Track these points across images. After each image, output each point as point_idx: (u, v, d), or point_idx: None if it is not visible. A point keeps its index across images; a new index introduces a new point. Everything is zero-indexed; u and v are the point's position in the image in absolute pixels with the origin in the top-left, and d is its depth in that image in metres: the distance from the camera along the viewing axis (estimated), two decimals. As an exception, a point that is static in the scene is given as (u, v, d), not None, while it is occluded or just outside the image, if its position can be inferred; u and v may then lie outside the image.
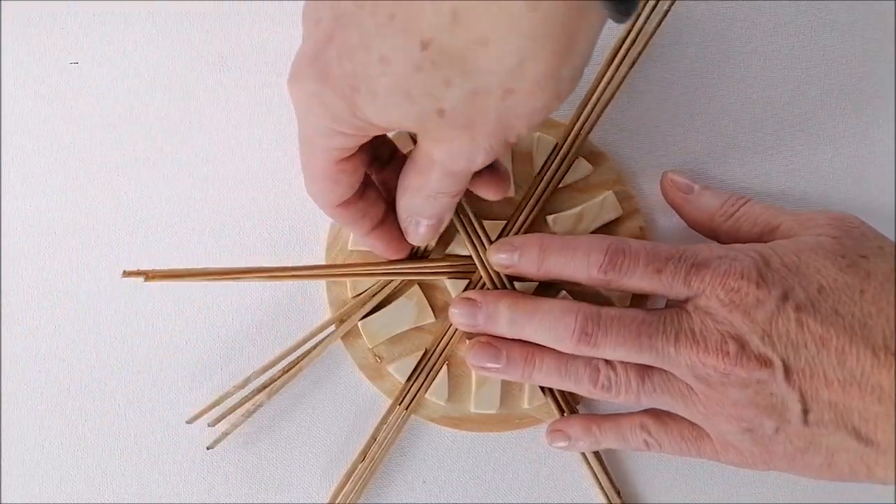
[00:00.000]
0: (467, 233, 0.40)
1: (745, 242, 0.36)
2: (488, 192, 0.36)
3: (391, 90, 0.27)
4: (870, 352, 0.31)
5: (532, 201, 0.40)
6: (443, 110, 0.27)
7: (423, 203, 0.34)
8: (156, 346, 0.41)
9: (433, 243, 0.40)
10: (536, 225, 0.41)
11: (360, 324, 0.40)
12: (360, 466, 0.40)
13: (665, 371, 0.35)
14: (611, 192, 0.42)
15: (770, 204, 0.38)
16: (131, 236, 0.41)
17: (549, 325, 0.35)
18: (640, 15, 0.41)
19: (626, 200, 0.42)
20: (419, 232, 0.36)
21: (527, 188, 0.41)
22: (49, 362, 0.41)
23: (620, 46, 0.41)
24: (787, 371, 0.32)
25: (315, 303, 0.42)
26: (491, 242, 0.39)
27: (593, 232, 0.41)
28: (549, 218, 0.41)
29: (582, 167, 0.42)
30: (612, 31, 0.41)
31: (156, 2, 0.42)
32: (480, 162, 0.30)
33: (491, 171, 0.35)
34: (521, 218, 0.40)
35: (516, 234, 0.40)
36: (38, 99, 0.41)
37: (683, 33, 0.43)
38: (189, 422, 0.39)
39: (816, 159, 0.44)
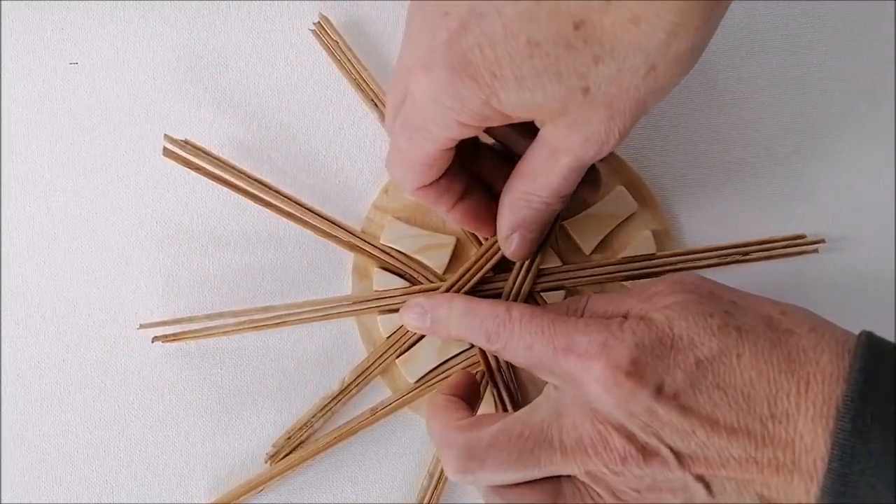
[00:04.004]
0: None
1: None
2: (588, 192, 0.38)
3: (540, 71, 0.28)
4: (758, 424, 0.29)
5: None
6: (587, 88, 0.29)
7: (532, 212, 0.34)
8: (161, 355, 0.41)
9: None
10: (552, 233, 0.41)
11: (398, 362, 0.40)
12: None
13: (571, 480, 0.33)
14: (621, 186, 0.42)
15: (609, 294, 0.36)
16: (132, 237, 0.41)
17: (438, 450, 0.35)
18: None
19: (642, 195, 0.42)
20: (518, 246, 0.36)
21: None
22: (49, 363, 0.40)
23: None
24: (680, 458, 0.30)
25: (350, 345, 0.42)
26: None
27: (613, 230, 0.42)
28: (566, 223, 0.41)
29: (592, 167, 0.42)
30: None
31: (156, 2, 0.41)
32: (612, 145, 0.31)
33: (590, 170, 0.36)
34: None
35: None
36: (38, 99, 0.41)
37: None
38: None
39: (816, 157, 0.44)
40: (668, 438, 0.30)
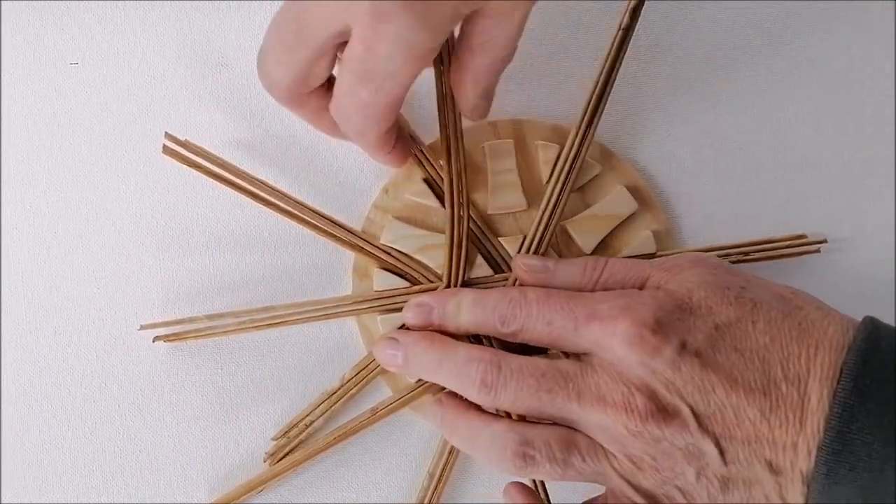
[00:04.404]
0: (487, 253, 0.40)
1: None
2: None
3: None
4: (773, 385, 0.31)
5: (547, 209, 0.40)
6: None
7: (495, 76, 0.35)
8: (161, 355, 0.41)
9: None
10: (553, 233, 0.41)
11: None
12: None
13: (588, 437, 0.34)
14: (622, 186, 0.42)
15: (628, 259, 0.38)
16: (133, 237, 0.41)
17: (456, 373, 0.35)
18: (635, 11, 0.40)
19: (642, 195, 0.42)
20: (484, 107, 0.37)
21: (539, 198, 0.41)
22: (50, 362, 0.40)
23: (620, 44, 0.40)
24: (698, 418, 0.31)
25: (349, 343, 0.42)
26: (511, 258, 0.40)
27: (613, 231, 0.42)
28: (566, 224, 0.41)
29: (591, 168, 0.42)
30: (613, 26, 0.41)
31: (156, 2, 0.41)
32: None
33: None
34: (540, 228, 0.40)
35: (532, 245, 0.40)
36: (38, 99, 0.41)
37: (684, 31, 0.44)
38: None
39: (817, 157, 0.44)
40: (689, 397, 0.31)
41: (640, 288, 0.35)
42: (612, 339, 0.32)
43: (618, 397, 0.32)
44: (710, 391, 0.31)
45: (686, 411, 0.31)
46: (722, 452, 0.32)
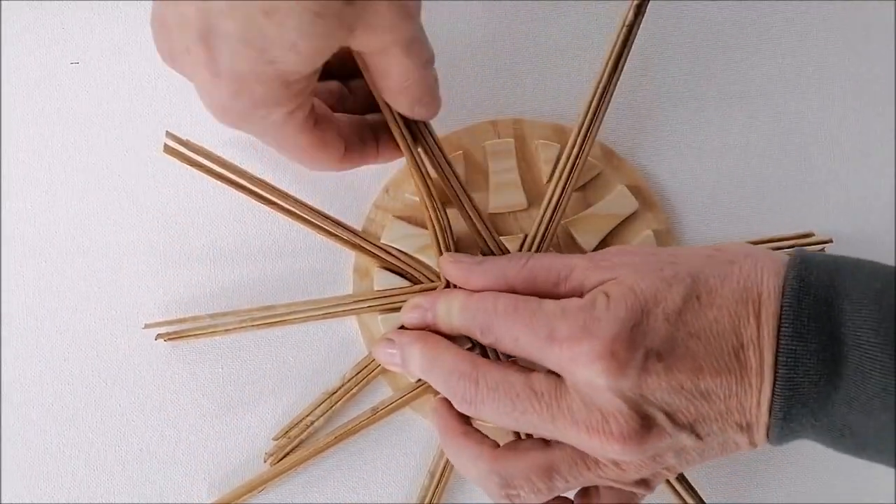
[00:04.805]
0: (489, 249, 0.40)
1: (543, 292, 0.35)
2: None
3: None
4: (734, 359, 0.31)
5: (549, 209, 0.40)
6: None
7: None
8: (163, 354, 0.41)
9: None
10: (554, 232, 0.40)
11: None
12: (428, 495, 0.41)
13: (569, 453, 0.34)
14: (623, 186, 0.42)
15: (553, 253, 0.38)
16: (133, 237, 0.41)
17: (443, 381, 0.35)
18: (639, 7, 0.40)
19: (643, 195, 0.42)
20: (429, 108, 0.36)
21: (539, 198, 0.41)
22: (50, 362, 0.40)
23: (624, 42, 0.40)
24: (672, 417, 0.32)
25: (350, 342, 0.42)
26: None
27: (614, 230, 0.42)
28: (567, 223, 0.41)
29: (592, 167, 0.42)
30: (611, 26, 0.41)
31: (156, 1, 0.41)
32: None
33: None
34: (541, 227, 0.40)
35: (534, 245, 0.40)
36: (38, 99, 0.41)
37: (685, 31, 0.44)
38: None
39: (817, 157, 0.45)
40: (660, 401, 0.31)
41: (563, 280, 0.35)
42: (574, 365, 0.32)
43: (592, 423, 0.32)
44: (679, 389, 0.31)
45: (660, 417, 0.32)
46: (698, 435, 0.32)
